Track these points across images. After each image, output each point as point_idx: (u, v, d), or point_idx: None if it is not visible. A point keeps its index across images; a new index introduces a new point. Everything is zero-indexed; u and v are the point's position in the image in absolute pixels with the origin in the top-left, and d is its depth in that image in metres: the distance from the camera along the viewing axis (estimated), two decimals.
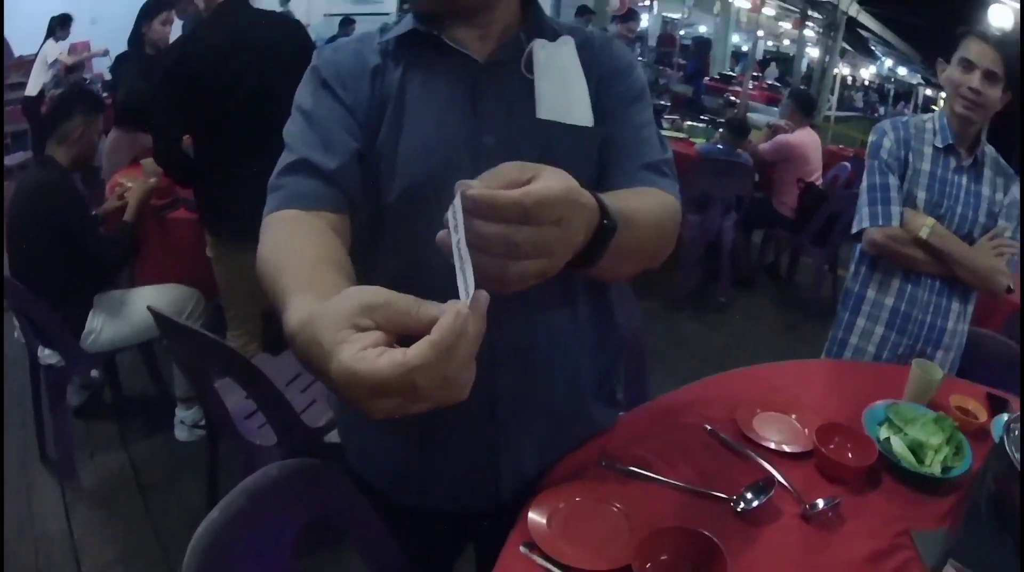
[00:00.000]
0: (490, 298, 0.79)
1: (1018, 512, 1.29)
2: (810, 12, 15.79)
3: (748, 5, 15.92)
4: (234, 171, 3.27)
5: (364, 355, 0.74)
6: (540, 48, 1.35)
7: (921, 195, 2.74)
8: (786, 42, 25.07)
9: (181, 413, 3.85)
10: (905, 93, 27.87)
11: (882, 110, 28.13)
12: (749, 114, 8.99)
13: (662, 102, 9.08)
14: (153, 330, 3.37)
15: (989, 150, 2.84)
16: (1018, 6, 12.78)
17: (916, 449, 1.80)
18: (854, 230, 2.82)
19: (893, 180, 2.75)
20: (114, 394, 4.02)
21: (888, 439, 1.84)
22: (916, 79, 28.61)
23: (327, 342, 0.77)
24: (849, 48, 25.49)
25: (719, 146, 6.82)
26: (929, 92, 28.90)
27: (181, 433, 3.85)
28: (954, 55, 2.71)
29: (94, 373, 4.02)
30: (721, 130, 7.33)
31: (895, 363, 2.74)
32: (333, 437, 3.45)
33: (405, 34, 1.39)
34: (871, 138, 2.87)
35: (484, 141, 1.34)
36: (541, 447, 1.58)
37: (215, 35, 3.23)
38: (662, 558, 1.30)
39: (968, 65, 2.64)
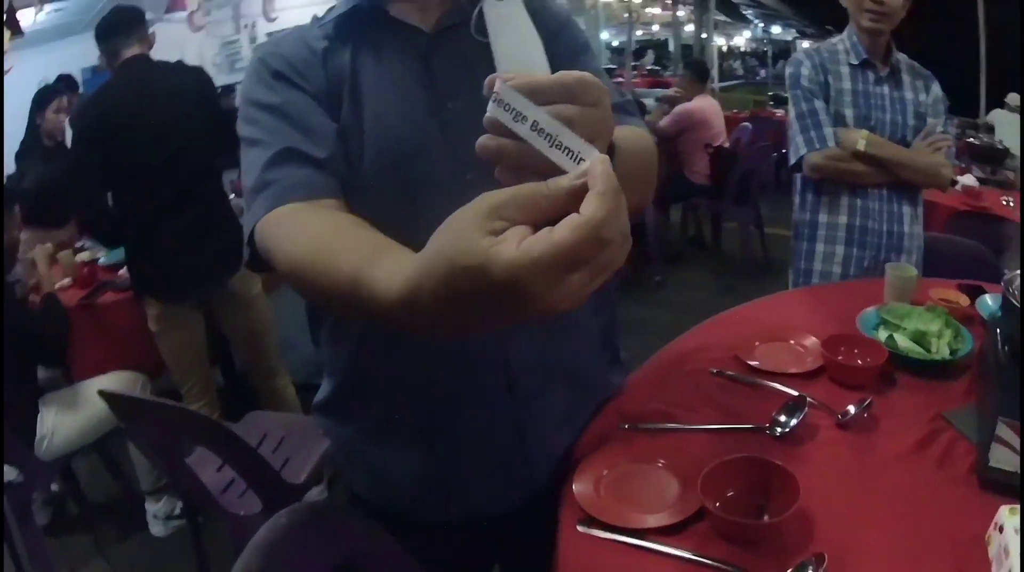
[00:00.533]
0: None
1: None
2: None
3: None
4: (162, 224, 3.31)
5: (531, 241, 0.68)
6: (491, 8, 1.29)
7: (849, 112, 2.79)
8: (655, 27, 25.35)
9: (152, 507, 3.69)
10: (783, 51, 28.27)
11: (763, 72, 28.62)
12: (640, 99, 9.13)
13: None
14: (106, 423, 3.27)
15: (902, 57, 2.90)
16: None
17: (919, 340, 1.82)
18: (792, 160, 2.85)
19: (819, 104, 2.79)
20: (79, 504, 3.85)
21: (890, 337, 1.85)
22: (791, 35, 29.06)
23: (476, 257, 0.68)
24: (722, 18, 25.92)
25: None
26: (806, 44, 29.42)
27: (156, 528, 3.69)
28: None
29: (54, 487, 3.86)
30: None
31: (864, 278, 2.77)
32: (312, 496, 3.37)
33: (347, 13, 1.34)
34: (788, 70, 2.92)
35: (449, 106, 1.31)
36: (566, 417, 1.53)
37: (124, 92, 3.29)
38: (729, 494, 1.27)
39: None
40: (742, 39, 32.40)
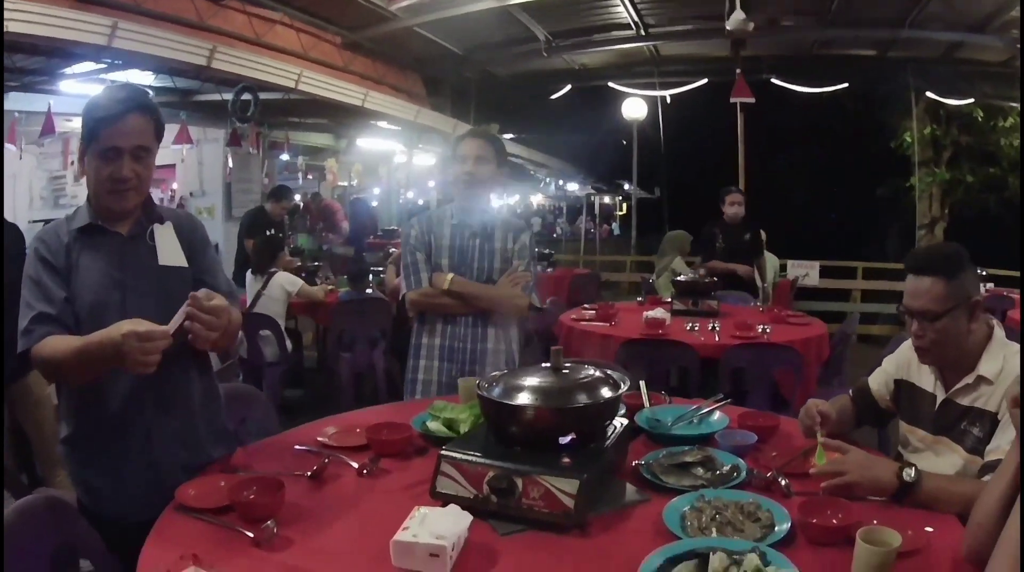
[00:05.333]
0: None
1: None
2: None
3: (405, 159, 17.08)
4: None
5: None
6: (156, 228, 2.66)
7: (445, 261, 3.93)
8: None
9: None
10: (580, 206, 29.54)
11: (559, 229, 29.97)
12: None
13: (316, 264, 10.06)
14: None
15: (502, 214, 4.13)
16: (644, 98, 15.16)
17: (450, 425, 2.71)
18: (401, 298, 3.94)
19: (420, 256, 3.94)
20: None
21: (424, 423, 2.77)
22: (587, 190, 30.55)
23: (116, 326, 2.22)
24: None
25: (353, 292, 7.89)
26: (607, 199, 31.01)
27: None
28: None
29: None
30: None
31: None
32: None
33: (84, 226, 2.56)
34: (404, 231, 4.10)
35: (127, 279, 2.56)
36: (183, 466, 2.55)
37: None
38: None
39: (463, 158, 3.85)
40: (538, 197, 34.03)
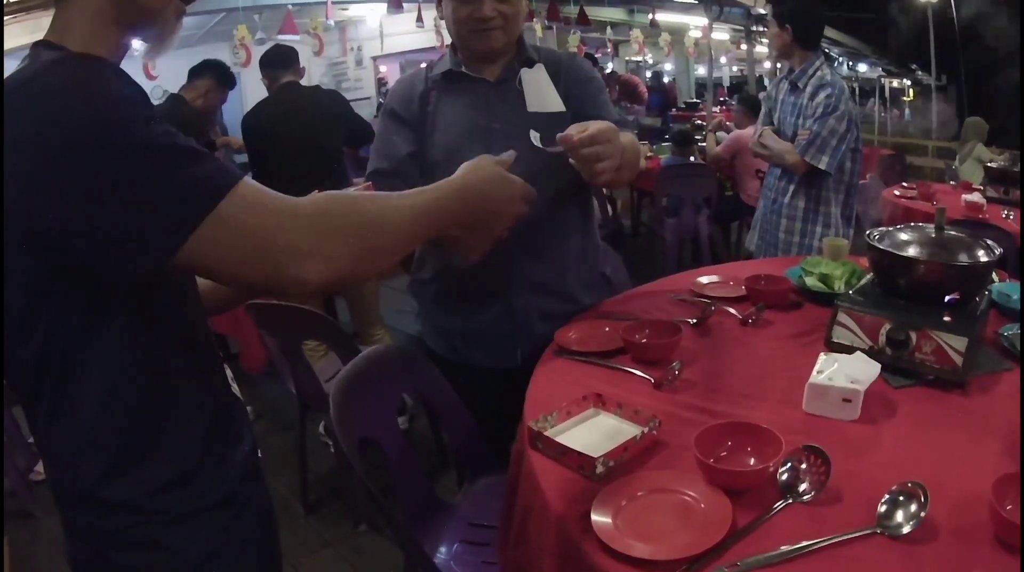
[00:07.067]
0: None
1: None
2: (754, 28, 16.50)
3: (699, 35, 16.74)
4: (296, 191, 4.49)
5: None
6: (524, 72, 2.40)
7: (776, 116, 4.40)
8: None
9: None
10: (871, 89, 28.23)
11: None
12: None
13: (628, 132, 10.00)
14: None
15: (817, 75, 4.12)
16: None
17: (825, 280, 2.59)
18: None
19: (764, 108, 4.61)
20: None
21: (800, 277, 2.64)
22: (877, 73, 29.08)
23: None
24: None
25: (676, 158, 7.89)
26: (895, 83, 29.44)
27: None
28: None
29: None
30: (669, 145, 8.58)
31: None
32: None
33: (445, 73, 2.43)
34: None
35: (494, 127, 2.35)
36: (549, 313, 2.46)
37: (277, 106, 5.03)
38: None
39: (769, 24, 4.16)
40: None
